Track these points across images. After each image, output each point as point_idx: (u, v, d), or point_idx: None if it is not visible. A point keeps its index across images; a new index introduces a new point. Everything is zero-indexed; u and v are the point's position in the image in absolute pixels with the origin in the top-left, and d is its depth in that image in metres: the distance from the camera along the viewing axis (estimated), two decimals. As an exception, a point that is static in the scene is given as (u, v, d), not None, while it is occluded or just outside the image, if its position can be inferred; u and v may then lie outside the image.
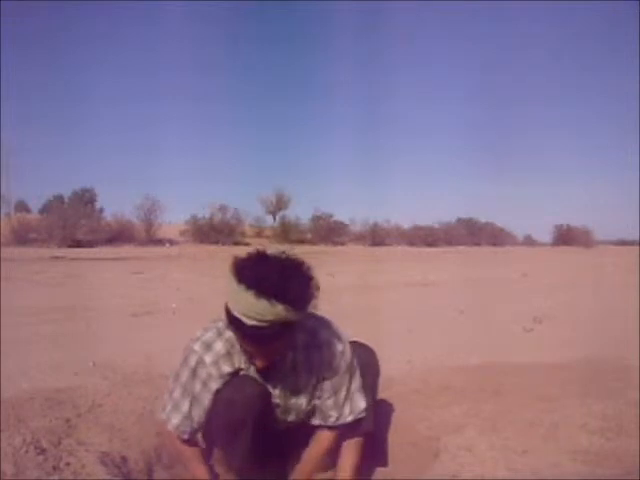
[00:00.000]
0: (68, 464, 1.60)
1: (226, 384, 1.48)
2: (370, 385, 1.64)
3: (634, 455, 1.72)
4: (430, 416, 2.17)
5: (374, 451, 1.80)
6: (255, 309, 1.24)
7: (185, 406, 1.51)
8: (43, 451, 1.63)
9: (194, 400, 1.51)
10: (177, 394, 1.52)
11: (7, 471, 1.48)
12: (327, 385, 1.54)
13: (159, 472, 1.82)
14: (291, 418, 1.60)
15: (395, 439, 2.01)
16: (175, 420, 1.53)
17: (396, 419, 2.13)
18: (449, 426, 2.06)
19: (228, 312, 1.31)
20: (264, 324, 1.25)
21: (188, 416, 1.52)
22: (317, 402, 1.57)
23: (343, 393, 1.55)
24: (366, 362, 1.64)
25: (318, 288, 1.33)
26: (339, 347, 1.52)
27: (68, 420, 1.92)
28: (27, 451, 1.60)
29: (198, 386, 1.50)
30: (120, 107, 66.43)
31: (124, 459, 1.76)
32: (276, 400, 1.55)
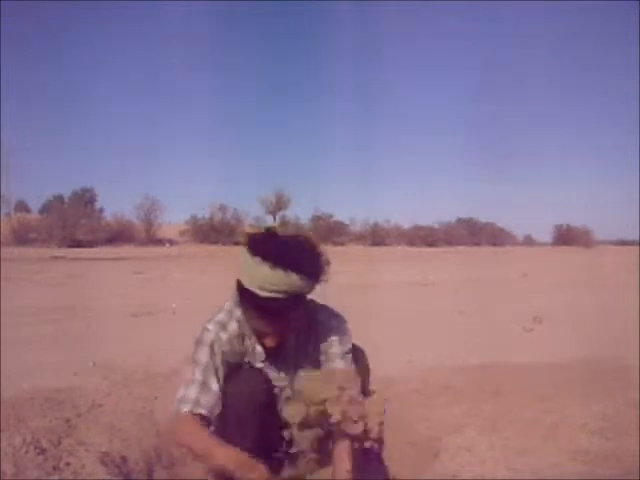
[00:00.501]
0: (68, 464, 1.60)
1: (231, 378, 1.48)
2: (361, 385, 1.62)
3: (634, 455, 1.72)
4: (430, 416, 2.18)
5: (374, 450, 1.80)
6: (271, 280, 1.29)
7: (214, 383, 1.45)
8: (43, 451, 1.63)
9: (218, 375, 1.47)
10: (200, 375, 1.45)
11: (7, 471, 1.48)
12: (322, 356, 1.56)
13: (159, 472, 1.82)
14: (298, 408, 1.59)
15: (395, 439, 2.01)
16: (207, 399, 1.42)
17: (396, 419, 2.13)
18: (449, 426, 2.06)
19: (241, 288, 1.35)
20: (279, 295, 1.30)
21: (217, 393, 1.45)
22: None
23: (336, 362, 1.55)
24: (356, 360, 1.62)
25: (329, 262, 1.39)
26: (335, 323, 1.56)
27: (68, 420, 1.92)
28: (27, 451, 1.60)
29: (218, 361, 1.48)
30: (120, 107, 66.48)
31: (124, 459, 1.76)
32: (283, 383, 1.56)
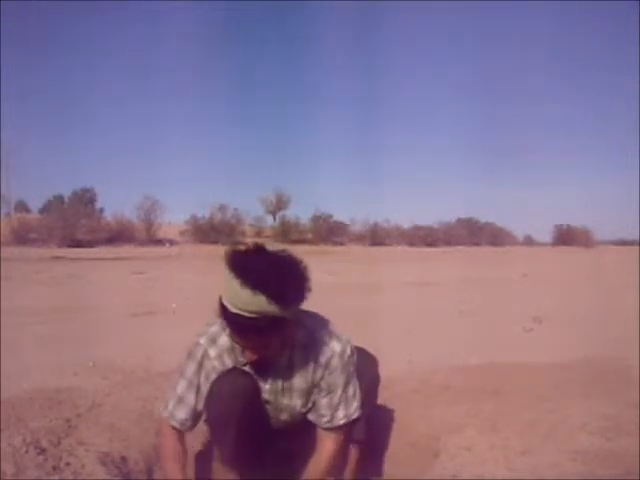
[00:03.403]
0: (68, 464, 1.60)
1: (217, 377, 1.49)
2: (365, 391, 1.59)
3: (634, 455, 1.72)
4: (430, 416, 2.17)
5: (370, 457, 1.80)
6: (239, 298, 1.26)
7: (191, 400, 1.51)
8: (43, 451, 1.63)
9: (198, 393, 1.51)
10: (181, 388, 1.52)
11: (7, 471, 1.47)
12: (323, 384, 1.52)
13: (159, 472, 1.82)
14: (284, 418, 1.58)
15: (395, 439, 2.01)
16: (180, 415, 1.52)
17: (396, 419, 2.13)
18: (449, 426, 2.05)
19: (220, 299, 1.33)
20: (246, 314, 1.27)
21: (194, 409, 1.52)
22: (313, 401, 1.55)
23: (338, 394, 1.52)
24: (363, 367, 1.60)
25: (309, 289, 1.33)
26: (337, 347, 1.51)
27: (68, 420, 1.92)
28: (27, 451, 1.60)
29: (202, 379, 1.51)
30: (120, 107, 66.56)
31: (124, 459, 1.75)
32: (265, 396, 1.53)
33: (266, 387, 1.53)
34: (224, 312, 1.31)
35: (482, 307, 5.78)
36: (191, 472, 1.68)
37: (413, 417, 2.17)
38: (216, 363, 1.50)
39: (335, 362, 1.50)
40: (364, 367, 1.60)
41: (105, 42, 61.89)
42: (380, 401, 2.17)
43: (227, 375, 1.48)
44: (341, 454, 1.60)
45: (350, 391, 1.54)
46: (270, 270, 1.26)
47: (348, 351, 1.52)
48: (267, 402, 1.55)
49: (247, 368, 1.49)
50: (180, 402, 1.52)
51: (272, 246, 1.36)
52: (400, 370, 2.79)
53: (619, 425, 1.96)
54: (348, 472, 1.66)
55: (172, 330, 4.00)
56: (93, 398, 2.20)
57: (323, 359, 1.50)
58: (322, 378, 1.52)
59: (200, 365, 1.51)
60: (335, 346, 1.50)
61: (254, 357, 1.41)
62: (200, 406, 1.52)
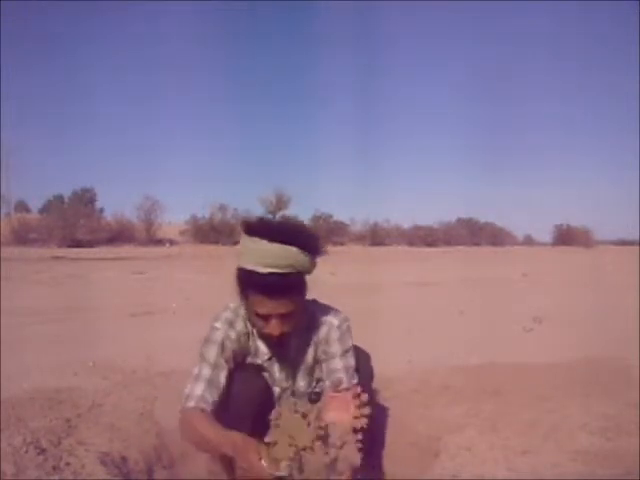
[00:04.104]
0: (68, 464, 1.60)
1: (231, 378, 1.48)
2: (364, 386, 1.61)
3: (634, 455, 1.72)
4: (430, 416, 2.17)
5: (375, 450, 1.80)
6: (270, 254, 1.31)
7: (221, 379, 1.46)
8: (43, 451, 1.63)
9: (226, 374, 1.48)
10: (207, 372, 1.46)
11: (7, 471, 1.47)
12: (322, 355, 1.56)
13: (159, 472, 1.82)
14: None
15: (395, 439, 2.01)
16: (211, 396, 1.44)
17: (396, 419, 2.13)
18: (449, 426, 2.06)
19: (241, 272, 1.37)
20: (279, 270, 1.32)
21: (223, 389, 1.46)
22: (316, 379, 1.58)
23: (337, 359, 1.55)
24: (359, 364, 1.62)
25: (323, 240, 1.44)
26: (334, 321, 1.56)
27: (68, 420, 1.92)
28: (27, 451, 1.60)
29: (224, 358, 1.48)
30: (120, 107, 66.49)
31: (124, 459, 1.75)
32: (284, 384, 1.56)
33: (282, 375, 1.56)
34: (252, 277, 1.34)
35: (482, 307, 5.78)
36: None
37: (413, 417, 2.17)
38: (236, 346, 1.50)
39: (333, 333, 1.55)
40: (359, 363, 1.61)
41: (105, 42, 61.93)
42: (380, 401, 2.17)
43: (242, 377, 1.48)
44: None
45: (350, 360, 1.57)
46: (291, 226, 1.41)
47: (345, 324, 1.58)
48: (284, 390, 1.57)
49: (264, 351, 1.51)
50: (210, 384, 1.45)
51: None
52: (400, 370, 2.79)
53: (619, 425, 1.97)
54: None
55: (172, 330, 4.00)
56: (93, 398, 2.20)
57: (322, 334, 1.55)
58: (321, 349, 1.56)
59: (222, 347, 1.48)
60: (332, 320, 1.57)
61: (279, 329, 1.41)
62: (226, 385, 1.47)
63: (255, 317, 1.43)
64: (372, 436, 1.72)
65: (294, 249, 1.32)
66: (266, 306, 1.38)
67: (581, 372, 2.74)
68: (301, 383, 1.59)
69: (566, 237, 47.82)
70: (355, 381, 1.56)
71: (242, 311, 1.50)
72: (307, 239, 1.37)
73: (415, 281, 9.31)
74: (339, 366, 1.54)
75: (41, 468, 1.54)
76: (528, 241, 51.06)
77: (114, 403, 2.17)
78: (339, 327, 1.56)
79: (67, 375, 2.63)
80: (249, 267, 1.34)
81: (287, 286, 1.35)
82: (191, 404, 1.42)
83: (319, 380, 1.58)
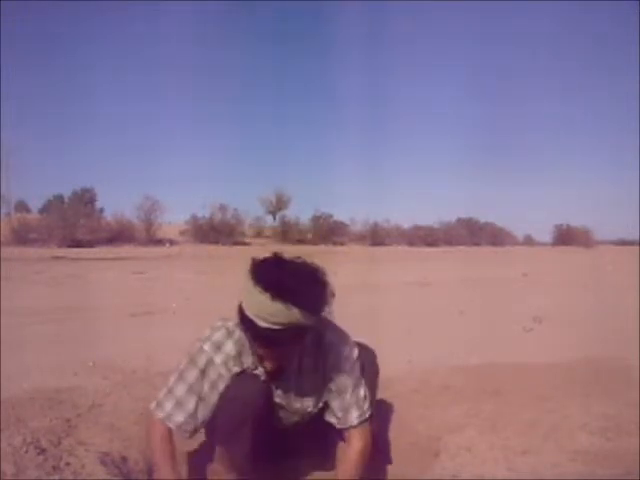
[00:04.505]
0: (68, 464, 1.59)
1: (230, 382, 1.48)
2: (369, 385, 1.63)
3: (634, 455, 1.72)
4: (430, 416, 2.17)
5: (376, 450, 1.80)
6: (270, 311, 1.25)
7: (191, 405, 1.48)
8: (43, 451, 1.63)
9: (200, 400, 1.49)
10: (180, 392, 1.49)
11: (7, 471, 1.47)
12: (333, 386, 1.54)
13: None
14: (295, 419, 1.60)
15: (395, 439, 2.00)
16: (178, 418, 1.48)
17: (396, 419, 2.13)
18: (449, 426, 2.06)
19: (242, 312, 1.32)
20: (277, 327, 1.26)
21: (193, 415, 1.49)
22: (323, 403, 1.57)
23: (349, 394, 1.54)
24: (366, 362, 1.63)
25: (333, 294, 1.35)
26: (345, 350, 1.53)
27: (68, 420, 1.92)
28: (27, 451, 1.60)
29: (206, 386, 1.48)
30: (120, 107, 66.51)
31: (124, 459, 1.75)
32: (278, 400, 1.55)
33: (278, 392, 1.54)
34: (251, 326, 1.30)
35: (482, 307, 5.78)
36: (183, 471, 1.68)
37: (413, 417, 2.17)
38: (222, 370, 1.48)
39: (343, 364, 1.53)
40: (365, 361, 1.62)
41: (105, 42, 61.90)
42: (380, 401, 2.17)
43: (239, 380, 1.48)
44: (368, 451, 1.59)
45: (361, 392, 1.56)
46: (298, 282, 1.28)
47: (355, 353, 1.55)
48: (279, 406, 1.56)
49: (259, 371, 1.49)
50: (178, 406, 1.48)
51: (288, 254, 1.37)
52: (400, 370, 2.79)
53: (619, 425, 1.97)
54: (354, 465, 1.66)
55: (172, 330, 4.00)
56: (93, 398, 2.20)
57: (331, 361, 1.52)
58: (331, 380, 1.53)
59: (203, 373, 1.48)
60: (343, 349, 1.53)
61: (274, 366, 1.41)
62: (201, 414, 1.49)
63: (253, 350, 1.43)
64: (374, 436, 1.72)
65: (296, 310, 1.25)
66: (261, 350, 1.38)
67: (581, 372, 2.73)
68: (307, 404, 1.57)
69: (566, 237, 47.84)
70: (369, 413, 1.57)
71: (237, 333, 1.47)
72: (314, 298, 1.30)
73: (415, 281, 9.31)
74: (352, 401, 1.54)
75: (41, 468, 1.53)
76: (528, 241, 51.08)
77: (114, 403, 2.17)
78: (348, 358, 1.53)
79: (67, 375, 2.63)
80: (248, 315, 1.30)
81: (284, 339, 1.31)
82: (160, 415, 1.49)
83: (327, 404, 1.57)
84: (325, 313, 1.35)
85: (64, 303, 5.76)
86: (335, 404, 1.55)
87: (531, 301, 6.23)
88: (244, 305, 1.31)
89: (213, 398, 1.49)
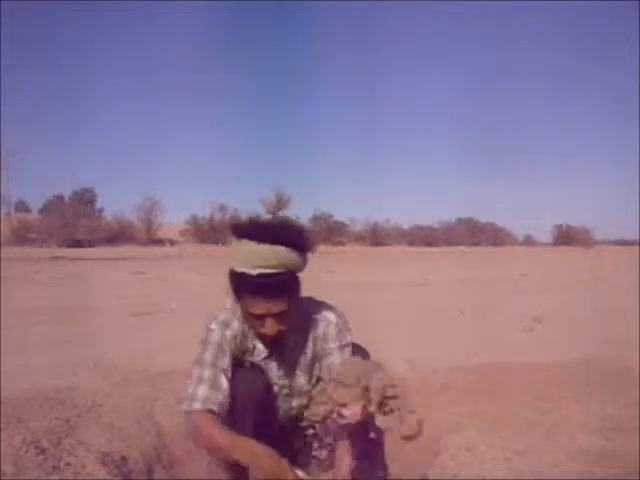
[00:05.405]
0: (68, 464, 1.60)
1: (231, 377, 1.48)
2: None
3: (634, 455, 1.72)
4: (430, 416, 2.17)
5: (376, 450, 1.80)
6: (259, 255, 1.33)
7: (223, 382, 1.44)
8: (43, 451, 1.63)
9: (227, 375, 1.46)
10: (207, 374, 1.44)
11: (7, 471, 1.47)
12: (321, 351, 1.57)
13: (159, 472, 1.82)
14: (294, 403, 1.61)
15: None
16: (217, 396, 1.41)
17: (396, 419, 2.12)
18: (449, 426, 2.06)
19: (233, 275, 1.37)
20: (269, 270, 1.32)
21: (227, 390, 1.44)
22: (316, 377, 1.58)
23: (335, 355, 1.55)
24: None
25: (313, 237, 1.44)
26: (332, 317, 1.57)
27: (68, 420, 1.92)
28: (27, 451, 1.60)
29: (226, 360, 1.47)
30: (120, 107, 66.57)
31: (124, 459, 1.75)
32: (282, 382, 1.57)
33: (280, 373, 1.56)
34: (243, 279, 1.35)
35: (482, 307, 5.77)
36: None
37: (413, 417, 2.17)
38: (232, 346, 1.50)
39: (331, 330, 1.56)
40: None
41: (105, 42, 61.98)
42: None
43: (240, 375, 1.48)
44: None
45: (347, 354, 1.57)
46: (278, 225, 1.43)
47: (342, 320, 1.59)
48: (283, 387, 1.58)
49: (261, 349, 1.51)
50: (214, 387, 1.42)
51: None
52: (400, 370, 2.79)
53: (619, 425, 1.96)
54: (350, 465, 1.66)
55: (172, 330, 4.00)
56: (93, 398, 2.20)
57: (320, 330, 1.56)
58: (321, 348, 1.57)
59: (219, 348, 1.47)
60: (330, 316, 1.58)
61: (275, 328, 1.41)
62: (229, 387, 1.45)
63: (250, 317, 1.43)
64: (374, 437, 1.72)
65: (282, 248, 1.33)
66: (260, 307, 1.39)
67: (581, 372, 2.73)
68: (301, 380, 1.59)
69: (566, 237, 47.87)
70: None
71: (238, 311, 1.49)
72: (296, 236, 1.38)
73: (415, 281, 9.31)
74: (337, 361, 1.54)
75: (41, 468, 1.54)
76: (528, 241, 51.13)
77: (114, 403, 2.17)
78: (337, 324, 1.57)
79: (67, 375, 2.62)
80: (240, 269, 1.36)
81: (279, 285, 1.36)
82: (197, 406, 1.40)
83: (319, 378, 1.58)
84: (311, 251, 1.42)
85: (64, 303, 5.77)
86: (322, 363, 1.57)
87: (531, 301, 6.23)
88: (234, 264, 1.37)
89: (230, 369, 1.48)
